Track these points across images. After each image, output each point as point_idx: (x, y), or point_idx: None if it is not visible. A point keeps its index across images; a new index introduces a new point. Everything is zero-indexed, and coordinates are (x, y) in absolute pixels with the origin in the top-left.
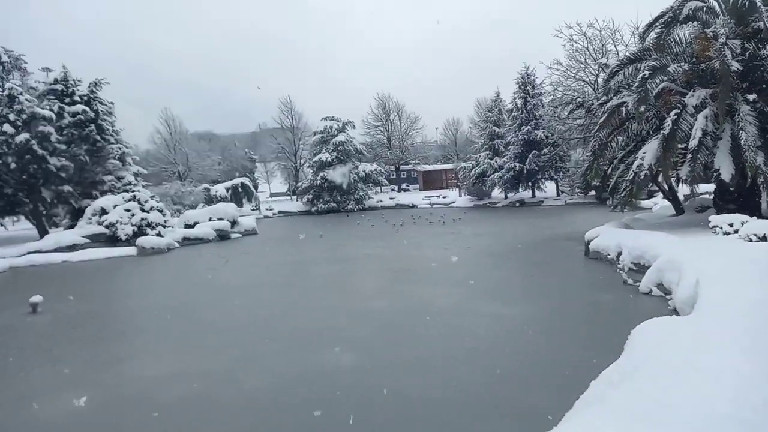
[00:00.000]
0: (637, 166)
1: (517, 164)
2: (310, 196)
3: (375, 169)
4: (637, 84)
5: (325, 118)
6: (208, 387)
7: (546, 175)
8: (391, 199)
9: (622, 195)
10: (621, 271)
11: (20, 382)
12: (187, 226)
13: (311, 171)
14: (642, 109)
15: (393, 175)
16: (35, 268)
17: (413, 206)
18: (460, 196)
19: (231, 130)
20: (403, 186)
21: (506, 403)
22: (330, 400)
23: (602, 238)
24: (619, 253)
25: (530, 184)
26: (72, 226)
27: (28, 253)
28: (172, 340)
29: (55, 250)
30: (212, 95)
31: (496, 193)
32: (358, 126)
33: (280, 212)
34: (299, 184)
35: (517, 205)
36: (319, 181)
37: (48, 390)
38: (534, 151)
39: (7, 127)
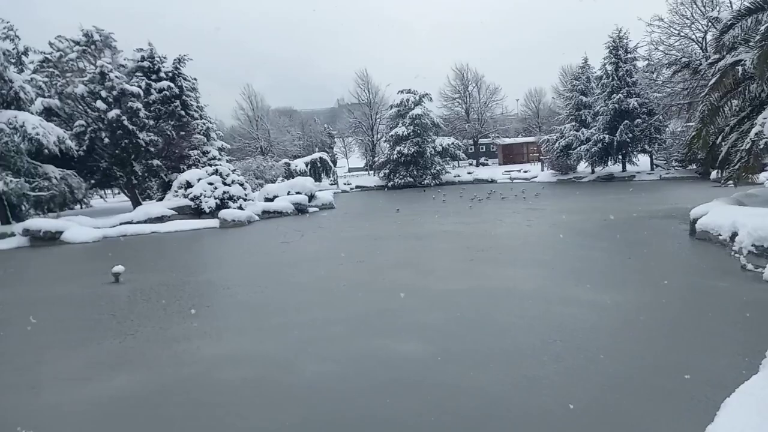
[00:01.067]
0: (756, 134)
1: (606, 136)
2: (387, 171)
3: (452, 143)
4: (758, 38)
5: (402, 91)
6: (268, 371)
7: (638, 147)
8: (469, 173)
9: (735, 167)
10: (737, 255)
11: (85, 355)
12: (267, 200)
13: (387, 145)
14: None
15: (471, 149)
16: (126, 238)
17: (492, 181)
18: (543, 170)
19: (311, 105)
20: (482, 160)
21: (614, 419)
22: (395, 396)
23: (712, 215)
24: (734, 234)
25: (620, 157)
26: (162, 199)
27: (121, 224)
28: (237, 318)
29: (145, 222)
30: (292, 71)
31: (582, 167)
32: (435, 99)
33: (357, 187)
34: (376, 158)
35: (606, 180)
36: (395, 156)
37: (110, 365)
38: (626, 121)
39: (99, 104)
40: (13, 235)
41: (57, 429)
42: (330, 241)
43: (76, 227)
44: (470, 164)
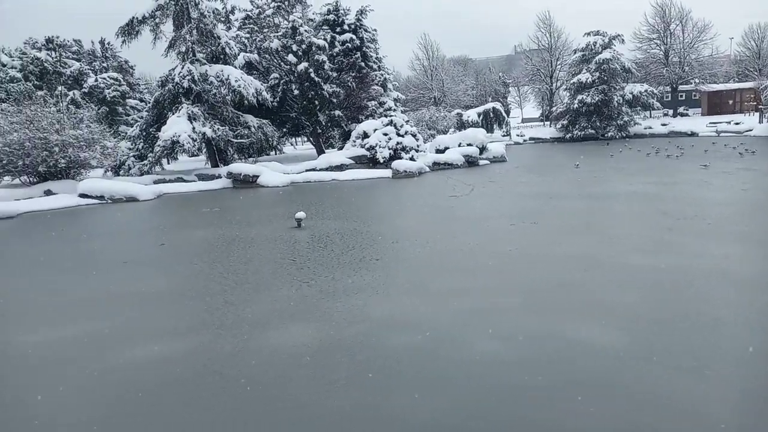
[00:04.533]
0: None
1: None
2: (565, 122)
3: (645, 90)
4: None
5: (588, 33)
6: (434, 341)
7: None
8: (664, 125)
9: None
10: None
11: (267, 300)
12: (438, 151)
13: (568, 94)
14: None
15: (668, 96)
16: (309, 184)
17: (692, 134)
18: (761, 122)
19: (486, 53)
20: (681, 110)
21: None
22: (581, 400)
23: None
24: None
25: None
26: (342, 148)
27: (306, 170)
28: (404, 275)
29: (327, 169)
30: (468, 18)
31: None
32: (628, 40)
33: (531, 138)
34: (553, 108)
35: None
36: (575, 105)
37: (287, 314)
38: None
39: (291, 57)
40: (220, 177)
41: (236, 374)
42: (500, 198)
43: (269, 172)
44: (665, 114)
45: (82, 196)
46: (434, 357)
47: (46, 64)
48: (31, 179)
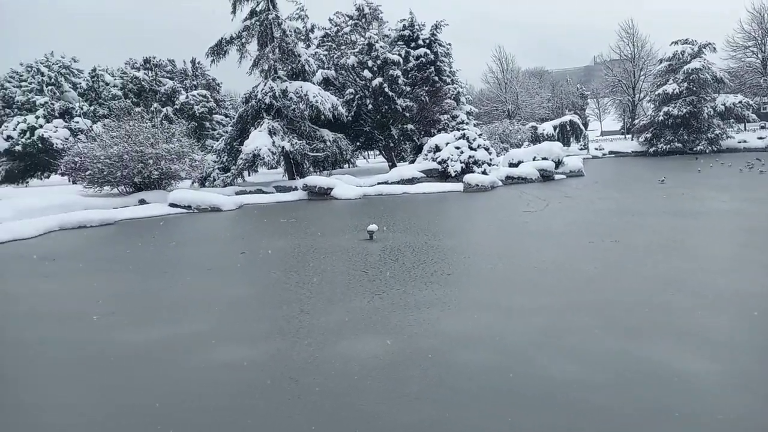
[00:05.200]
0: None
1: None
2: (649, 135)
3: (739, 102)
4: None
5: (676, 42)
6: (507, 361)
7: None
8: (760, 138)
9: None
10: None
11: (340, 310)
12: (511, 165)
13: (652, 106)
14: None
15: (765, 108)
16: (381, 197)
17: None
18: None
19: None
20: None
21: None
22: (665, 423)
23: None
24: None
25: None
26: (414, 161)
27: (378, 183)
28: (477, 291)
29: (398, 183)
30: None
31: None
32: (720, 49)
33: (610, 152)
34: (636, 121)
35: None
36: (661, 117)
37: (359, 325)
38: None
39: (366, 73)
40: (296, 189)
41: (310, 382)
42: (578, 213)
43: (342, 185)
44: (762, 127)
45: (172, 205)
46: (509, 375)
47: (143, 83)
48: (127, 189)
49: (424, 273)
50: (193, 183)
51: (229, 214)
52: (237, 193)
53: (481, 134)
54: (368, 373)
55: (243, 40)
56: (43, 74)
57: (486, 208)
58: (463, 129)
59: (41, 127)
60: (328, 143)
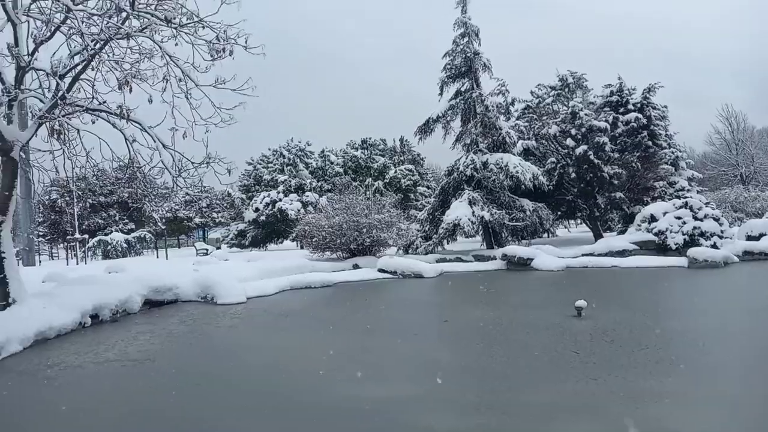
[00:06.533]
0: None
1: None
2: None
3: None
4: None
5: None
6: None
7: None
8: None
9: None
10: None
11: (551, 391)
12: (750, 238)
13: None
14: None
15: None
16: (587, 270)
17: None
18: None
19: None
20: None
21: None
22: None
23: None
24: None
25: None
26: (623, 232)
27: (583, 255)
28: (714, 387)
29: (606, 254)
30: None
31: None
32: None
33: None
34: None
35: None
36: None
37: (572, 409)
38: None
39: (569, 141)
40: (494, 258)
41: None
42: None
43: (543, 255)
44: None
45: (380, 270)
46: None
47: (360, 161)
48: (344, 254)
49: (646, 359)
50: (398, 250)
51: (431, 281)
52: (438, 261)
53: (708, 202)
54: None
55: (448, 118)
56: (284, 156)
57: (720, 288)
58: (685, 197)
59: (280, 200)
60: (527, 212)
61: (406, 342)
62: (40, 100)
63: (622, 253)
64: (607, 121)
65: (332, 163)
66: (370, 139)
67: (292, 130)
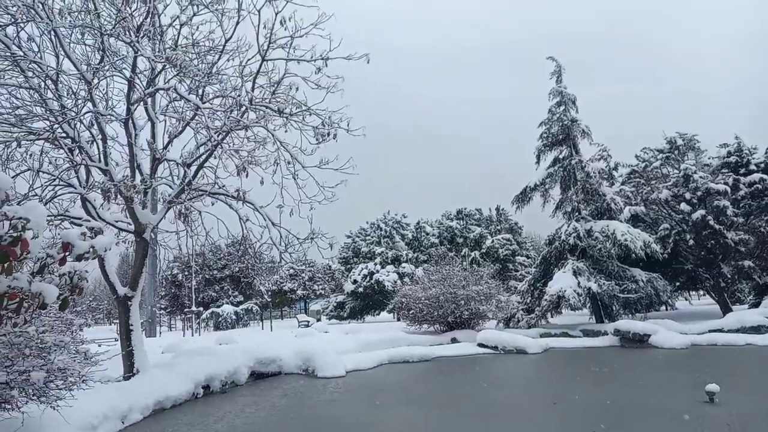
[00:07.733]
0: None
1: None
2: None
3: None
4: None
5: None
6: None
7: None
8: None
9: None
10: None
11: None
12: None
13: None
14: None
15: None
16: (715, 348)
17: None
18: None
19: None
20: None
21: None
22: None
23: None
24: None
25: None
26: (756, 305)
27: (710, 331)
28: None
29: (738, 330)
30: None
31: None
32: None
33: None
34: None
35: None
36: None
37: None
38: None
39: (683, 206)
40: (605, 333)
41: None
42: None
43: (664, 331)
44: None
45: (480, 345)
46: None
47: (455, 231)
48: (441, 327)
49: None
50: (498, 323)
51: (535, 358)
52: (541, 335)
53: None
54: None
55: (546, 186)
56: (381, 229)
57: None
58: None
59: (378, 272)
60: (640, 283)
61: (511, 426)
62: (170, 187)
63: (758, 330)
64: (726, 183)
65: (427, 234)
66: (465, 209)
67: (388, 201)
